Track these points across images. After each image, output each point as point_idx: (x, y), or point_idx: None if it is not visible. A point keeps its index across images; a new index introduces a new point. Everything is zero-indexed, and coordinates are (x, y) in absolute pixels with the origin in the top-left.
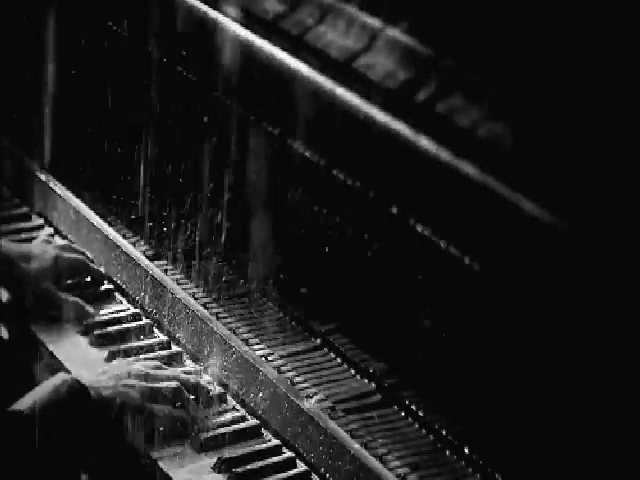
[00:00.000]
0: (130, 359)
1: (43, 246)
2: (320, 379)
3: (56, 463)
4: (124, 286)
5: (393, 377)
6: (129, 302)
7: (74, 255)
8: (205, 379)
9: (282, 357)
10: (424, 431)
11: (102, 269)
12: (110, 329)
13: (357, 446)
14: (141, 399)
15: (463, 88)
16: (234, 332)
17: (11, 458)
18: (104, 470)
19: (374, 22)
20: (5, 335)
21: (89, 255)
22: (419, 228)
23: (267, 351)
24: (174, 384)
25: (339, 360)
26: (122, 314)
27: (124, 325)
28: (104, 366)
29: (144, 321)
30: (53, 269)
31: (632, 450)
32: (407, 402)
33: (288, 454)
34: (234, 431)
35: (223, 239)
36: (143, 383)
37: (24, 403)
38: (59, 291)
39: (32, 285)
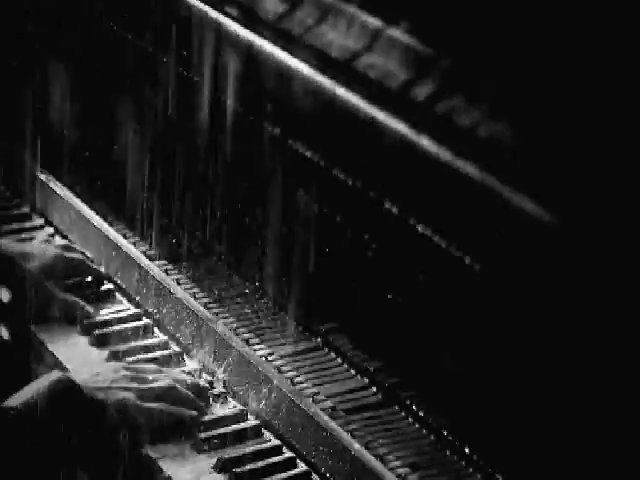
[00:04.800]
0: (127, 360)
1: (43, 246)
2: (320, 379)
3: (51, 461)
4: (124, 286)
5: (393, 377)
6: (129, 302)
7: (74, 255)
8: (204, 379)
9: (282, 357)
10: (424, 431)
11: (102, 269)
12: (110, 329)
13: (357, 446)
14: (135, 399)
15: (463, 88)
16: (234, 332)
17: (4, 455)
18: (102, 470)
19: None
20: (5, 335)
21: (89, 255)
22: (419, 228)
23: (267, 351)
24: (168, 384)
25: (339, 360)
26: (122, 314)
27: (124, 325)
28: (100, 367)
29: (144, 321)
30: (53, 269)
31: (632, 450)
32: (407, 402)
33: (288, 454)
34: (234, 431)
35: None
36: (137, 384)
37: (18, 399)
38: (59, 291)
39: (32, 285)
